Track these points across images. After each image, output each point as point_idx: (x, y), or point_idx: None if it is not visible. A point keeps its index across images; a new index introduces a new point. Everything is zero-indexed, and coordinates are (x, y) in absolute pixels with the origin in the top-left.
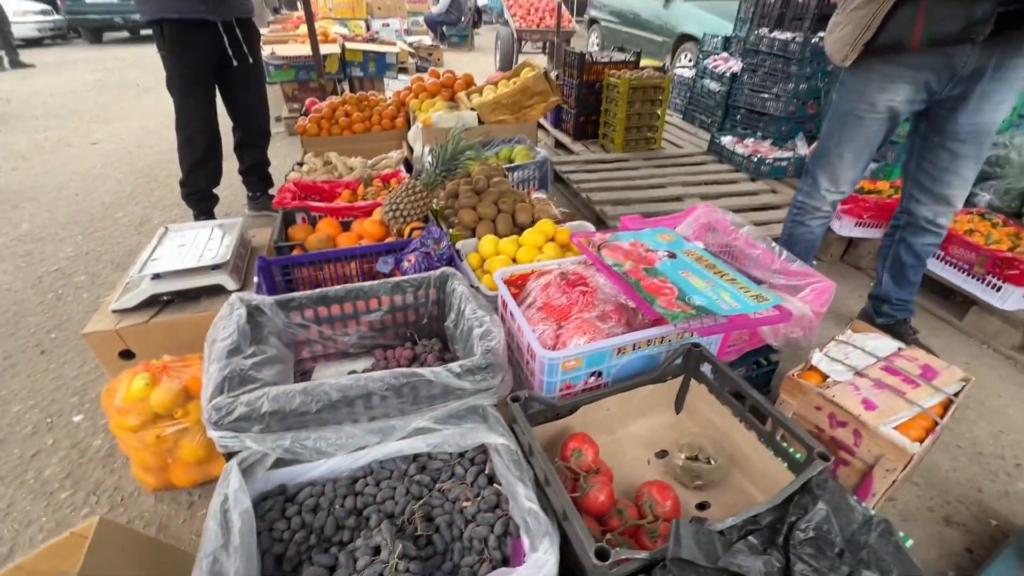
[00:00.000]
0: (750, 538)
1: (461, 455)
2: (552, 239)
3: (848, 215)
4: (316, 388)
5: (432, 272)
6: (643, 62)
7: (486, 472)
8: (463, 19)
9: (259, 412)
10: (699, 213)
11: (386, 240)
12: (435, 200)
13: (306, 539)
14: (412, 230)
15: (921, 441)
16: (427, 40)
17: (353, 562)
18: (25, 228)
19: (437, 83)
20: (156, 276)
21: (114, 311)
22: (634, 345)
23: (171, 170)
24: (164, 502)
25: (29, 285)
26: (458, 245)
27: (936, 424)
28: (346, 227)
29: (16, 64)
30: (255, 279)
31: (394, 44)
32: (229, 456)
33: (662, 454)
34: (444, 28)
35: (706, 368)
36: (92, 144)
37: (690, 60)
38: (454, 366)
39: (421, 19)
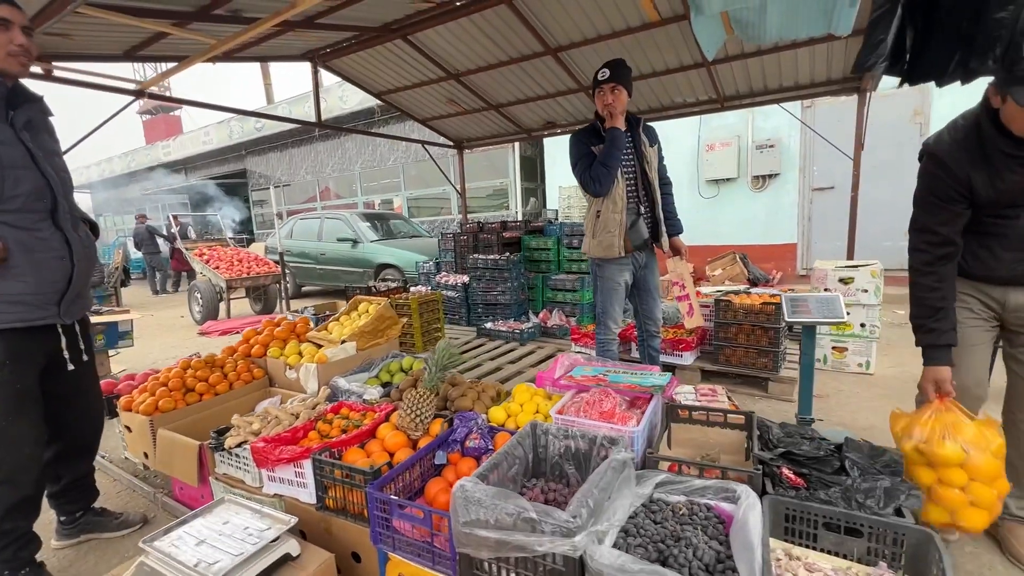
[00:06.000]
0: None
1: None
2: (533, 395)
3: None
4: None
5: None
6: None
7: None
8: (105, 280)
9: None
10: (563, 360)
11: (415, 441)
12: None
13: None
14: (441, 424)
15: None
16: None
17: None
18: None
19: (284, 330)
20: None
21: None
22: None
23: None
24: None
25: None
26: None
27: None
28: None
29: None
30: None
31: (127, 312)
32: None
33: None
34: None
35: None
36: None
37: (395, 280)
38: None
39: None
